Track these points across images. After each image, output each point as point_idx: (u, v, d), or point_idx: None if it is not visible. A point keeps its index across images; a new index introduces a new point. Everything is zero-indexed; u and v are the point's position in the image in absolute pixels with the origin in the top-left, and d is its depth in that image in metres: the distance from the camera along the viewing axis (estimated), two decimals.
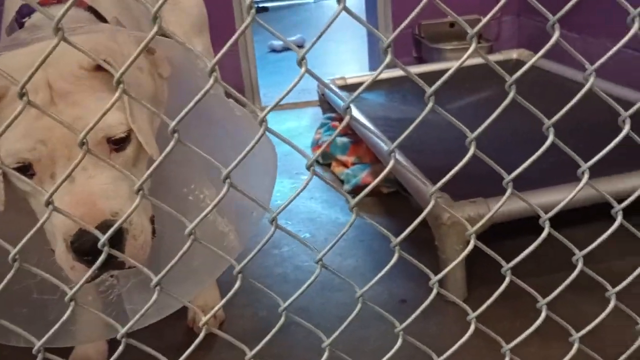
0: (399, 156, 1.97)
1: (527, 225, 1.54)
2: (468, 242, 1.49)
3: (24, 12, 1.06)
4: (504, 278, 0.82)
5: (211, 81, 0.61)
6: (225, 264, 1.07)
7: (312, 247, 0.72)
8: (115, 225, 0.65)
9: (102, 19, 1.10)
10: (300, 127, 2.92)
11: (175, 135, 0.61)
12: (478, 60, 2.82)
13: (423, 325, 1.36)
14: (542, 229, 0.78)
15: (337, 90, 2.63)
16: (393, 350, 0.80)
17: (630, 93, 2.17)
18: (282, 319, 0.74)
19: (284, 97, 0.61)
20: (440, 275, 0.75)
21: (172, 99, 1.04)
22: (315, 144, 2.55)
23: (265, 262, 1.80)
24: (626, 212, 0.86)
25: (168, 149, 0.60)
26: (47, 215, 0.61)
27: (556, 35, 0.60)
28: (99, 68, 0.88)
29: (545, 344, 0.94)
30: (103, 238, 0.64)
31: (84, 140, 0.59)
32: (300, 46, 4.40)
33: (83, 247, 0.82)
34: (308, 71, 0.65)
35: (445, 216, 1.49)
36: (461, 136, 0.70)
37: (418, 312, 0.75)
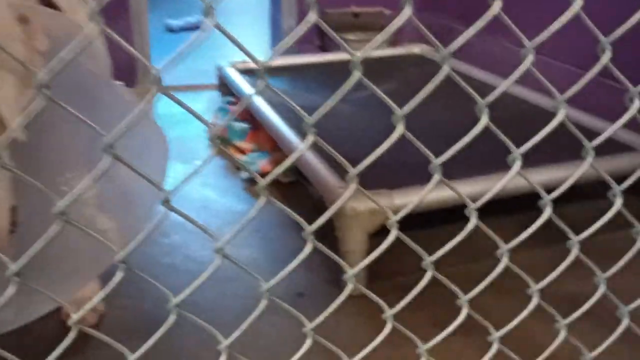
0: (300, 143, 1.90)
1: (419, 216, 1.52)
2: (370, 234, 1.45)
3: None
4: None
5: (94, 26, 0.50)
6: (107, 260, 0.95)
7: (212, 234, 0.62)
8: None
9: None
10: (196, 110, 2.78)
11: (45, 91, 0.49)
12: (380, 54, 2.82)
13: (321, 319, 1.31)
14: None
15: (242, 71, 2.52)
16: (302, 351, 0.72)
17: (529, 93, 2.25)
18: (174, 317, 0.64)
19: (185, 49, 0.51)
20: (357, 269, 0.68)
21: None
22: None
23: (152, 251, 1.67)
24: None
25: (33, 105, 0.48)
26: None
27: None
28: None
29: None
30: None
31: None
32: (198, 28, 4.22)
33: None
34: (217, 26, 0.55)
35: (348, 207, 1.43)
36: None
37: (330, 310, 0.68)
